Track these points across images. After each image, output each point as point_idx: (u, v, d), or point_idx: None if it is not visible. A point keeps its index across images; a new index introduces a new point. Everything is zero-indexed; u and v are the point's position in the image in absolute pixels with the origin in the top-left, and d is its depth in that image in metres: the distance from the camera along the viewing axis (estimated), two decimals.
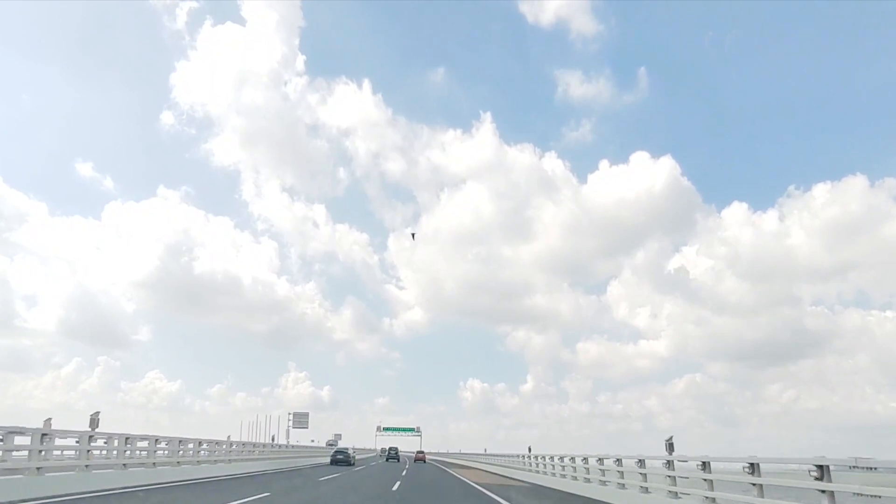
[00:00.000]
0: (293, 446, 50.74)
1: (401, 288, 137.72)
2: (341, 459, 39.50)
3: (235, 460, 24.53)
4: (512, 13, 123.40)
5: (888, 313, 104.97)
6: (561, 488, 19.28)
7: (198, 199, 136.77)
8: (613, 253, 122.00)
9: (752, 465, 8.15)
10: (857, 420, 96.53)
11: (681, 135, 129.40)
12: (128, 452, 15.68)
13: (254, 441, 44.93)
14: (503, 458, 36.13)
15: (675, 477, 11.22)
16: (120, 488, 13.71)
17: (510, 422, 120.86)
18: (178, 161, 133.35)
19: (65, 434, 13.16)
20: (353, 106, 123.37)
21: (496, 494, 17.44)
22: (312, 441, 76.46)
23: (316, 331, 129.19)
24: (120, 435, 15.10)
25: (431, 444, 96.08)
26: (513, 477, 28.86)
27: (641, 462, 12.94)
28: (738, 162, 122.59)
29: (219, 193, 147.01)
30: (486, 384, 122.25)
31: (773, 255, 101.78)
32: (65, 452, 15.55)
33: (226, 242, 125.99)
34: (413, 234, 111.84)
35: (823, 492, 6.92)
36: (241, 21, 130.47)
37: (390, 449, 67.85)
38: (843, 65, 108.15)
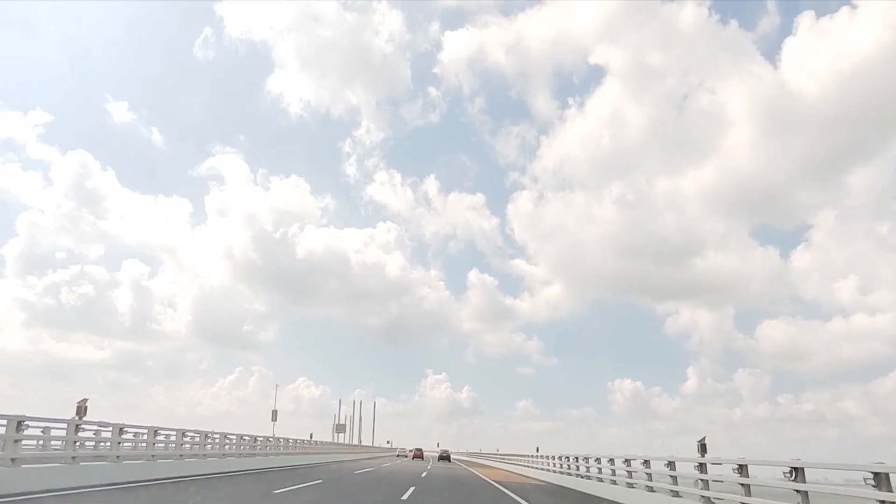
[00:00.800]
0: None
1: (531, 262, 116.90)
2: None
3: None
4: None
5: None
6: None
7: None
8: (826, 172, 79.37)
9: (794, 469, 7.90)
10: None
11: None
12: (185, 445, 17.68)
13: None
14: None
15: (707, 481, 10.98)
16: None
17: (668, 427, 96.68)
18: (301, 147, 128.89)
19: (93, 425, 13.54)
20: None
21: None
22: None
23: (441, 322, 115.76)
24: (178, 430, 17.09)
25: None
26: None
27: (671, 464, 12.70)
28: None
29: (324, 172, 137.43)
30: (638, 382, 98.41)
31: None
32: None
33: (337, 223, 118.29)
34: None
35: (883, 502, 6.25)
36: None
37: (442, 451, 72.98)
38: None
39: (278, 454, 27.73)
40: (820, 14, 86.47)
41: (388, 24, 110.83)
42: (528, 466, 32.40)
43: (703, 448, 11.15)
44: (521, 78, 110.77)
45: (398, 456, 67.73)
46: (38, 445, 13.73)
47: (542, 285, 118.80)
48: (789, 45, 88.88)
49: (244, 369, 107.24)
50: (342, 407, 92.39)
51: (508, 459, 42.64)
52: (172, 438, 16.84)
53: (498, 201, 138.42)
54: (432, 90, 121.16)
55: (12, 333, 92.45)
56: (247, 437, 23.18)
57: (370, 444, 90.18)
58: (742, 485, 9.60)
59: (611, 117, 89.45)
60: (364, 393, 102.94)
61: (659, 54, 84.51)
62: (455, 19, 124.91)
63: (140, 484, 13.17)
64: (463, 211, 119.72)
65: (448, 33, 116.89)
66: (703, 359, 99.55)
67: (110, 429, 13.60)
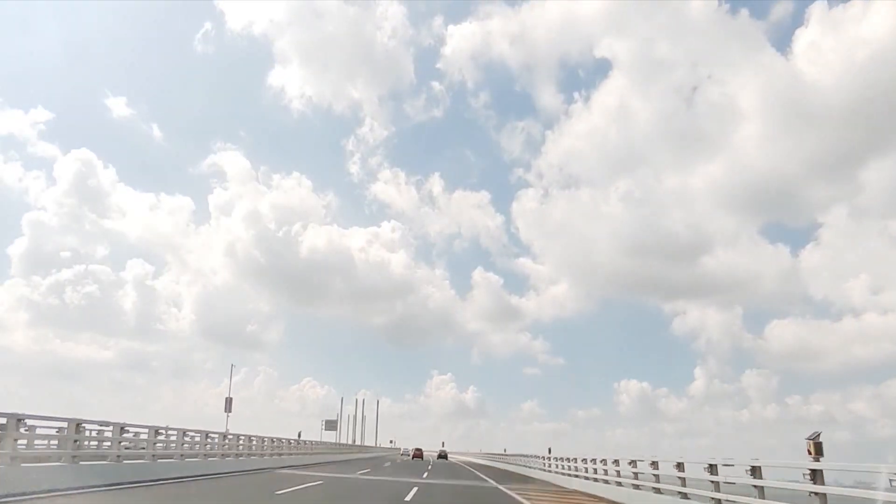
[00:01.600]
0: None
1: (537, 261, 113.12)
2: None
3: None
4: None
5: None
6: None
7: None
8: (837, 167, 75.45)
9: (813, 471, 7.75)
10: None
11: None
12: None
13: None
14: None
15: (718, 483, 10.82)
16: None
17: (675, 429, 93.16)
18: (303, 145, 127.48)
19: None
20: None
21: None
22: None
23: (447, 321, 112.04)
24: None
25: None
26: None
27: (680, 465, 12.54)
28: None
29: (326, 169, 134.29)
30: (644, 383, 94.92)
31: None
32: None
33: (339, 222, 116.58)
34: None
35: None
36: None
37: (440, 451, 74.64)
38: None
39: (224, 456, 20.16)
40: (833, 2, 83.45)
41: (391, 17, 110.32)
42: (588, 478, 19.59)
43: (817, 448, 8.08)
44: (526, 71, 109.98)
45: (402, 455, 70.06)
46: (48, 445, 13.61)
47: (548, 284, 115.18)
48: (802, 34, 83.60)
49: (250, 369, 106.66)
50: (345, 406, 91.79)
51: (544, 464, 28.55)
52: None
53: (503, 199, 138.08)
54: (435, 84, 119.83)
55: (19, 333, 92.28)
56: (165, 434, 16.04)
57: (373, 445, 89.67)
58: (755, 486, 9.45)
59: (617, 111, 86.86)
60: (369, 393, 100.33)
61: (667, 45, 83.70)
62: (458, 11, 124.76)
63: None
64: (467, 209, 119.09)
65: (451, 27, 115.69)
66: (710, 359, 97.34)
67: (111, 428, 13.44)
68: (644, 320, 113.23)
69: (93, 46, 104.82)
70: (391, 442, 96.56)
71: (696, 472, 11.76)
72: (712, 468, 10.96)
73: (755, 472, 9.49)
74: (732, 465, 10.36)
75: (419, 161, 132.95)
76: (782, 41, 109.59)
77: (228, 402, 39.20)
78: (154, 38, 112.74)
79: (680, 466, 12.51)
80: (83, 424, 12.28)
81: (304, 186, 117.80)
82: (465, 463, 56.48)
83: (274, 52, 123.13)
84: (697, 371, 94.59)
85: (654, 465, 13.83)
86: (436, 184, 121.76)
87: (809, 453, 8.02)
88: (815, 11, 79.87)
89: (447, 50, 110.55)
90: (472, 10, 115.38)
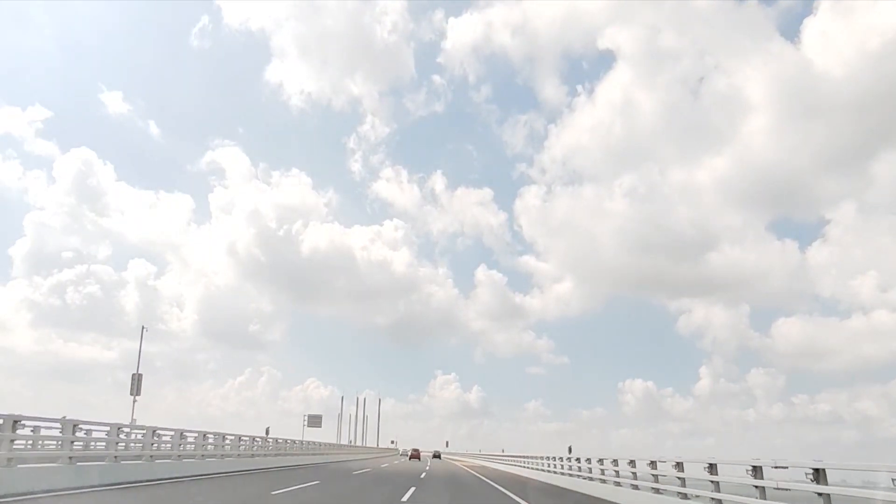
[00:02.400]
0: None
1: (540, 259, 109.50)
2: None
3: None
4: None
5: None
6: None
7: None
8: (848, 160, 72.75)
9: (816, 470, 7.74)
10: None
11: None
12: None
13: None
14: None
15: (718, 482, 10.79)
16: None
17: (680, 428, 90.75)
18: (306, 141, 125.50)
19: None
20: None
21: None
22: None
23: (450, 320, 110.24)
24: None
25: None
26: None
27: (679, 465, 12.52)
28: None
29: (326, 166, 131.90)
30: (649, 382, 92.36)
31: None
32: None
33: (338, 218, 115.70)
34: None
35: None
36: None
37: (435, 451, 77.32)
38: None
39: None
40: None
41: (391, 11, 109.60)
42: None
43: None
44: (529, 63, 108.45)
45: (402, 455, 71.76)
46: (57, 446, 13.41)
47: (552, 282, 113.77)
48: (811, 22, 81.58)
49: (254, 370, 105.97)
50: (350, 406, 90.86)
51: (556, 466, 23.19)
52: None
53: (505, 195, 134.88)
54: (436, 78, 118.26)
55: (22, 334, 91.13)
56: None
57: (373, 445, 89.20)
58: (756, 487, 9.42)
59: (622, 104, 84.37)
60: (373, 394, 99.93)
61: (673, 34, 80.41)
62: (459, 4, 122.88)
63: None
64: (470, 206, 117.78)
65: (452, 20, 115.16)
66: (716, 358, 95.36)
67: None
68: (649, 318, 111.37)
69: (86, 41, 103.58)
70: (392, 442, 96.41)
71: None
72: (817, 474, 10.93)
73: (756, 472, 9.45)
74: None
75: (421, 158, 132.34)
76: (791, 29, 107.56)
77: (136, 380, 28.35)
78: (149, 33, 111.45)
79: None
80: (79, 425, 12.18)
81: (303, 184, 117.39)
82: (469, 468, 39.91)
83: (272, 46, 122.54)
84: (703, 370, 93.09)
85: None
86: (438, 181, 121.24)
87: None
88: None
89: (448, 44, 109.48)
90: (473, 0, 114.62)
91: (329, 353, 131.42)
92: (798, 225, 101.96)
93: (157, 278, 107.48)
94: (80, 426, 12.05)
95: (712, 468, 10.90)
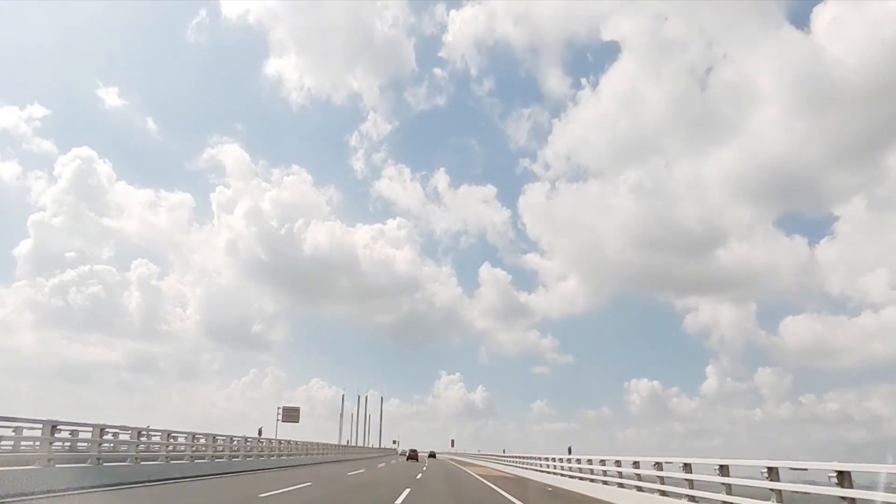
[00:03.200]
0: None
1: (544, 256, 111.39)
2: None
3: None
4: None
5: None
6: None
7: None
8: (859, 152, 69.52)
9: (839, 472, 7.26)
10: None
11: None
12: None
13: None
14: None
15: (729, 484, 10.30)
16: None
17: (686, 428, 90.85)
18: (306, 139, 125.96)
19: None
20: None
21: None
22: None
23: (454, 320, 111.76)
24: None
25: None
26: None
27: (687, 466, 12.02)
28: None
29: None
30: (655, 382, 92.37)
31: None
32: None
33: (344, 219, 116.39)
34: None
35: None
36: None
37: (430, 451, 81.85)
38: None
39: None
40: None
41: (391, 5, 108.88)
42: None
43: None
44: (532, 54, 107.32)
45: (400, 455, 71.83)
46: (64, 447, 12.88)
47: (557, 280, 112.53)
48: (822, 9, 79.11)
49: (258, 370, 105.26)
50: (349, 405, 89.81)
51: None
52: None
53: (509, 192, 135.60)
54: (438, 72, 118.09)
55: (26, 335, 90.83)
56: None
57: (374, 445, 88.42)
58: (773, 490, 8.92)
59: (627, 96, 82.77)
60: (377, 394, 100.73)
61: (679, 23, 78.15)
62: None
63: None
64: (473, 204, 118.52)
65: (453, 12, 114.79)
66: (723, 357, 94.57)
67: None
68: (655, 317, 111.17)
69: (82, 35, 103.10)
70: (394, 442, 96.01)
71: None
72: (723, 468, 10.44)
73: (771, 472, 8.97)
74: None
75: (423, 154, 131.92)
76: (802, 17, 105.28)
77: None
78: (145, 27, 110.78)
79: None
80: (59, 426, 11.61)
81: (304, 181, 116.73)
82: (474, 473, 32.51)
83: (270, 41, 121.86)
84: (710, 369, 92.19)
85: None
86: (441, 179, 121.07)
87: None
88: None
89: (449, 37, 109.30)
90: None
91: (333, 354, 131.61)
92: (807, 220, 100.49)
93: (159, 278, 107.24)
94: (59, 427, 11.49)
95: (723, 470, 10.42)
